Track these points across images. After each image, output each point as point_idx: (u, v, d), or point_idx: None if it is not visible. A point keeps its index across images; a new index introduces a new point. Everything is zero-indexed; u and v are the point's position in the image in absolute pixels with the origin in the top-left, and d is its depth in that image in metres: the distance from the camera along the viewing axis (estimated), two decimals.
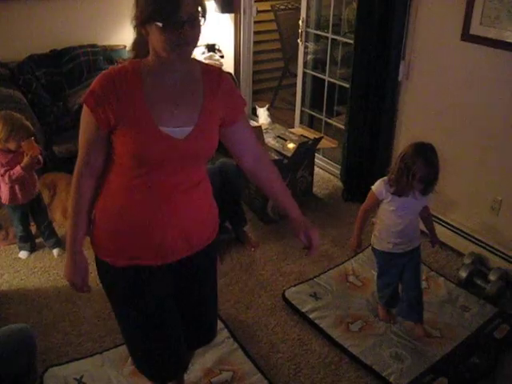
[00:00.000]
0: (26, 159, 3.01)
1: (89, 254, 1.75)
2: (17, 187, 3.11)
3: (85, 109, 1.60)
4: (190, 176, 1.69)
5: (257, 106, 4.84)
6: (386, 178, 2.55)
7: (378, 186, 2.56)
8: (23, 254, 3.33)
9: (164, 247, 1.70)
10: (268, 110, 4.78)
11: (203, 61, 4.51)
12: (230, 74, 4.72)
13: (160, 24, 1.47)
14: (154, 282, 1.77)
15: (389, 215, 2.57)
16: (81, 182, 1.67)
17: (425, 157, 2.38)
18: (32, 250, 3.36)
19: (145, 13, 1.49)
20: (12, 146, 3.01)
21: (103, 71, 1.62)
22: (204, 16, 1.54)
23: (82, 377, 2.46)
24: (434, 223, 3.28)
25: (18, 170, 3.01)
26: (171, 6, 1.46)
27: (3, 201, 3.18)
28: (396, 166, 2.46)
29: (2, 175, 3.05)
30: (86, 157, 1.65)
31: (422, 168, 2.37)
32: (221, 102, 1.69)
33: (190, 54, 1.58)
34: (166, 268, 1.75)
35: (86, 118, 1.61)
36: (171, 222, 1.67)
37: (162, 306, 1.82)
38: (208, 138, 1.67)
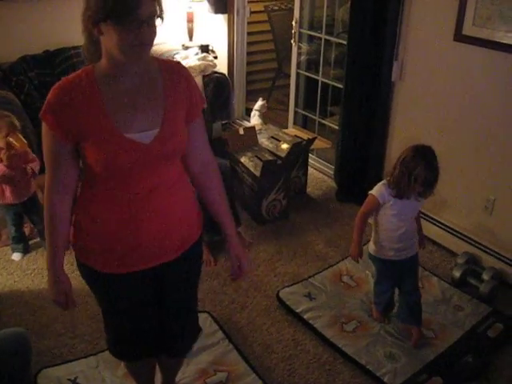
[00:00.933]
0: (6, 154, 2.97)
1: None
2: (6, 186, 3.09)
3: (44, 125, 1.54)
4: (164, 177, 1.65)
5: (260, 99, 4.80)
6: (385, 181, 2.53)
7: (378, 190, 2.53)
8: (16, 256, 3.31)
9: (143, 253, 1.68)
10: (261, 110, 4.77)
11: (196, 62, 4.54)
12: (223, 74, 4.73)
13: (117, 23, 1.40)
14: (133, 286, 1.76)
15: (390, 219, 2.54)
16: (52, 200, 1.62)
17: (426, 160, 2.38)
18: (25, 251, 3.34)
19: (101, 10, 1.41)
20: (0, 143, 2.98)
21: (56, 83, 1.54)
22: (161, 16, 1.49)
23: (76, 378, 2.46)
24: (429, 223, 3.30)
25: (0, 167, 3.00)
26: (131, 3, 1.40)
27: None
28: (396, 169, 2.44)
29: None
30: (54, 173, 1.60)
31: (424, 172, 2.36)
32: (183, 97, 1.64)
33: (147, 55, 1.53)
34: (143, 273, 1.73)
35: (47, 135, 1.55)
36: (151, 225, 1.64)
37: (140, 310, 1.83)
38: (175, 136, 1.62)
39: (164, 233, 1.68)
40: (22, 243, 3.33)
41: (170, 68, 1.66)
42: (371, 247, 2.68)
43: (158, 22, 1.49)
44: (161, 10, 1.49)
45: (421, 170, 2.36)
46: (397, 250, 2.59)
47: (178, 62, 1.76)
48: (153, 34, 1.48)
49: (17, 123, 3.05)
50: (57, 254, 1.68)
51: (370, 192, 2.57)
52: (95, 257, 1.70)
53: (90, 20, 1.45)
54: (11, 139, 2.97)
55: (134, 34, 1.42)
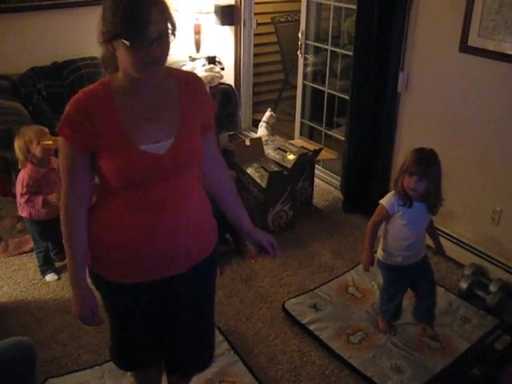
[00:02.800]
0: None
1: None
2: (38, 200, 3.03)
3: (61, 139, 1.56)
4: (179, 188, 1.65)
5: (269, 110, 4.82)
6: (393, 191, 2.54)
7: (388, 200, 2.53)
8: (51, 277, 3.21)
9: (156, 262, 1.68)
10: (269, 122, 4.79)
11: (203, 73, 4.56)
12: (229, 85, 4.75)
13: (127, 42, 1.41)
14: (143, 297, 1.76)
15: (400, 229, 2.54)
16: (69, 212, 1.63)
17: (418, 151, 2.43)
18: (58, 271, 3.24)
19: (112, 29, 1.43)
20: (37, 150, 2.96)
21: (74, 97, 1.56)
22: (173, 33, 1.49)
23: None
24: None
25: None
26: (139, 23, 1.40)
27: (23, 213, 3.10)
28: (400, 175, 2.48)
29: (21, 194, 3.00)
30: (71, 186, 1.61)
31: (411, 161, 2.40)
32: (199, 109, 1.66)
33: (160, 71, 1.54)
34: (158, 284, 1.74)
35: (63, 147, 1.57)
36: (165, 236, 1.64)
37: (146, 322, 1.84)
38: (190, 147, 1.63)
39: (177, 243, 1.68)
40: (52, 261, 3.27)
41: (187, 79, 1.68)
42: (379, 253, 2.68)
43: (170, 37, 1.49)
44: (173, 27, 1.49)
45: (409, 160, 2.41)
46: (404, 257, 2.60)
47: (194, 74, 1.78)
48: (164, 51, 1.48)
49: (44, 128, 3.05)
50: (78, 267, 1.67)
51: (380, 201, 2.58)
52: (107, 266, 1.70)
53: (105, 36, 1.48)
54: (44, 142, 2.96)
55: (145, 53, 1.43)
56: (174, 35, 1.50)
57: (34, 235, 3.20)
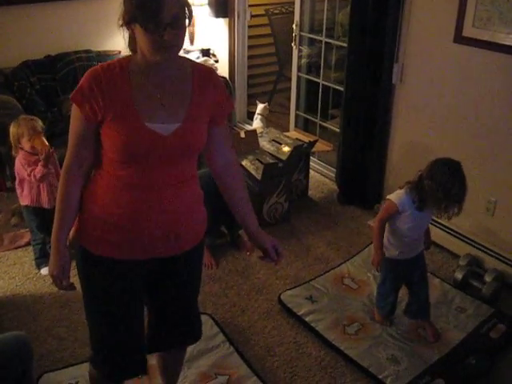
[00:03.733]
0: (42, 156, 2.99)
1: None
2: (44, 188, 3.06)
3: (73, 106, 1.62)
4: (178, 172, 1.69)
5: (257, 102, 4.83)
6: (406, 190, 2.48)
7: (399, 198, 2.48)
8: (46, 271, 3.08)
9: (148, 242, 1.70)
10: (264, 113, 4.78)
11: None
12: (224, 78, 4.73)
13: (142, 26, 1.47)
14: (132, 276, 1.77)
15: (406, 227, 2.52)
16: (69, 176, 1.68)
17: (461, 179, 2.37)
18: None
19: (129, 13, 1.50)
20: (26, 145, 3.00)
21: (91, 68, 1.63)
22: (189, 18, 1.53)
23: (77, 382, 2.44)
24: (431, 225, 3.29)
25: (39, 168, 2.99)
26: (153, 8, 1.45)
27: (24, 202, 3.11)
28: (425, 183, 2.39)
29: (28, 175, 3.01)
30: (75, 150, 1.66)
31: (459, 191, 2.35)
32: (210, 100, 1.70)
33: (175, 55, 1.59)
34: (146, 263, 1.75)
35: (74, 114, 1.64)
36: (158, 218, 1.67)
37: (133, 301, 1.83)
38: (195, 134, 1.67)
39: (170, 227, 1.71)
40: (48, 256, 3.25)
41: (202, 72, 1.71)
42: None
43: (186, 23, 1.53)
44: (190, 12, 1.54)
45: (457, 190, 2.34)
46: (402, 252, 2.60)
47: (211, 68, 1.81)
48: (179, 35, 1.53)
49: (39, 127, 3.06)
50: (63, 228, 1.70)
51: (388, 197, 2.54)
52: (97, 241, 1.71)
53: (124, 20, 1.54)
54: (34, 144, 2.99)
55: (159, 37, 1.48)
56: (190, 20, 1.54)
57: (32, 227, 3.19)
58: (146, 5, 1.45)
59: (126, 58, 1.65)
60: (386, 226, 2.59)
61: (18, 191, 3.12)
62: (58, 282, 1.75)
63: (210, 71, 1.76)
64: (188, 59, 1.73)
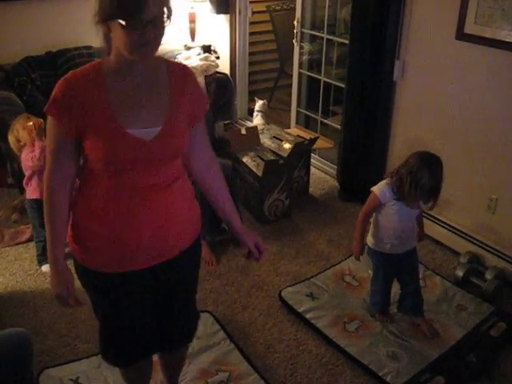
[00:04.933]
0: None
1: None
2: (35, 179, 3.06)
3: (49, 117, 1.56)
4: (164, 176, 1.65)
5: (255, 98, 4.82)
6: (387, 180, 2.51)
7: (380, 189, 2.51)
8: (47, 267, 3.14)
9: (141, 252, 1.67)
10: (263, 110, 4.77)
11: (199, 62, 4.54)
12: (225, 74, 4.72)
13: (123, 22, 1.42)
14: (130, 286, 1.75)
15: (389, 218, 2.54)
16: (53, 190, 1.63)
17: (432, 170, 2.36)
18: None
19: (108, 10, 1.44)
20: (24, 136, 3.04)
21: (63, 77, 1.56)
22: (169, 17, 1.50)
23: (77, 378, 2.45)
24: (431, 222, 3.29)
25: (36, 144, 3.03)
26: (136, 4, 1.41)
27: (33, 195, 3.09)
28: (401, 174, 2.42)
29: (32, 161, 3.02)
30: (56, 165, 1.61)
31: (429, 182, 2.35)
32: (188, 99, 1.66)
33: (153, 54, 1.54)
34: (143, 272, 1.73)
35: (51, 127, 1.57)
36: (147, 225, 1.64)
37: (135, 306, 1.82)
38: (177, 136, 1.64)
39: (163, 231, 1.68)
40: None
41: (178, 70, 1.68)
42: (369, 240, 2.68)
43: (166, 22, 1.49)
44: (169, 11, 1.50)
45: (426, 180, 2.34)
46: (394, 245, 2.60)
47: (185, 65, 1.78)
48: (158, 34, 1.49)
49: (27, 114, 3.13)
50: (57, 243, 1.67)
51: (371, 189, 2.56)
52: (94, 256, 1.69)
53: (100, 17, 1.48)
54: (27, 124, 3.07)
55: (139, 34, 1.44)
56: (170, 19, 1.50)
57: (35, 223, 3.18)
58: (127, 1, 1.41)
59: (99, 61, 1.58)
60: (375, 218, 2.61)
61: (27, 188, 3.12)
62: (64, 302, 1.72)
63: (185, 69, 1.72)
64: (161, 58, 1.67)
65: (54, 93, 1.54)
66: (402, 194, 2.44)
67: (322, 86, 4.47)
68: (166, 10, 1.48)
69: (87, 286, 1.79)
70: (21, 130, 3.06)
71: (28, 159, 3.04)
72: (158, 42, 1.51)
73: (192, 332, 2.08)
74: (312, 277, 3.15)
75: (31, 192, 3.11)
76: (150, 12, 1.43)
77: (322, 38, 4.36)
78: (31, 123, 3.06)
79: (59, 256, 1.68)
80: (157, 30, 1.47)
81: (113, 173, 1.59)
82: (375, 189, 2.54)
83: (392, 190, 2.47)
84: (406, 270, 2.69)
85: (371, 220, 2.66)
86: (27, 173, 3.09)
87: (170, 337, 2.00)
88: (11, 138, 3.10)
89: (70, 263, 1.74)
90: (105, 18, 1.47)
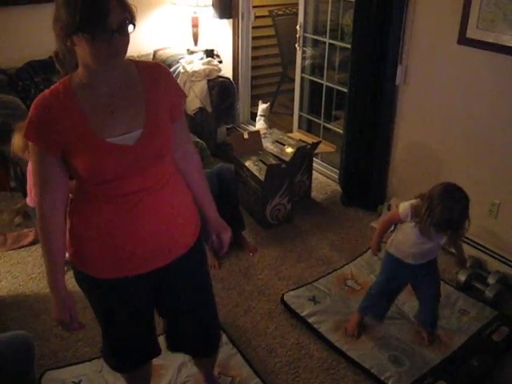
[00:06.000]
0: None
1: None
2: None
3: (30, 143, 1.55)
4: (155, 178, 1.64)
5: (260, 102, 4.83)
6: (414, 201, 2.41)
7: (405, 207, 2.42)
8: None
9: (137, 257, 1.66)
10: (266, 114, 4.78)
11: (201, 66, 4.55)
12: (228, 79, 4.73)
13: (88, 35, 1.40)
14: (127, 291, 1.75)
15: (410, 237, 2.46)
16: (45, 215, 1.59)
17: (449, 202, 2.26)
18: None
19: (70, 24, 1.41)
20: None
21: (35, 99, 1.54)
22: (132, 22, 1.48)
23: (80, 381, 2.46)
24: None
25: None
26: (99, 14, 1.39)
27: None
28: (425, 197, 2.35)
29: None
30: (44, 187, 1.58)
31: (441, 211, 2.25)
32: (165, 95, 1.64)
33: (121, 62, 1.53)
34: (141, 277, 1.71)
35: (33, 152, 1.56)
36: (142, 230, 1.63)
37: (137, 312, 1.82)
38: (160, 135, 1.62)
39: (159, 235, 1.67)
40: None
41: (149, 68, 1.66)
42: (389, 242, 2.60)
43: (130, 28, 1.47)
44: (132, 17, 1.48)
45: (440, 210, 2.25)
46: (409, 257, 2.52)
47: (157, 62, 1.76)
48: (126, 41, 1.48)
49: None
50: (56, 270, 1.64)
51: (400, 204, 2.47)
52: (91, 263, 1.68)
53: (63, 32, 1.46)
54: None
55: (107, 44, 1.42)
56: (134, 25, 1.49)
57: None
58: (92, 12, 1.39)
59: (66, 78, 1.55)
60: (398, 230, 2.55)
61: (32, 194, 3.06)
62: (66, 327, 1.72)
63: (157, 65, 1.70)
64: (129, 59, 1.64)
65: (28, 118, 1.53)
66: (419, 218, 2.36)
67: (324, 91, 4.47)
68: (128, 15, 1.47)
69: (85, 292, 1.79)
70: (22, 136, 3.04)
71: (29, 173, 3.01)
72: (125, 50, 1.50)
73: (215, 341, 2.05)
74: (314, 281, 3.15)
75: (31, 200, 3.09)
76: (115, 20, 1.41)
77: (325, 42, 4.37)
78: None
79: (59, 283, 1.66)
80: (123, 38, 1.45)
81: (102, 182, 1.57)
82: (401, 205, 2.46)
83: (414, 212, 2.40)
84: (425, 284, 2.63)
85: (396, 229, 2.60)
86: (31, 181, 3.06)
87: (186, 344, 1.99)
88: (18, 139, 2.99)
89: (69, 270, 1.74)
90: (67, 32, 1.44)
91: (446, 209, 2.26)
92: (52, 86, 1.56)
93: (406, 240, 2.50)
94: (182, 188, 1.78)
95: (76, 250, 1.69)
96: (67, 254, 1.71)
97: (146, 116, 1.59)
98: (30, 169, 3.05)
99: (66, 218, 1.64)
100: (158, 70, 1.67)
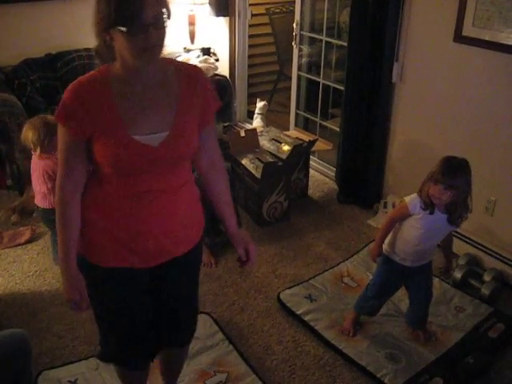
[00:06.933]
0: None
1: None
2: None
3: (59, 125, 1.58)
4: (172, 181, 1.67)
5: (258, 99, 4.83)
6: (417, 192, 2.42)
7: (411, 199, 2.43)
8: None
9: (147, 252, 1.70)
10: (263, 112, 4.78)
11: (198, 64, 4.55)
12: (224, 77, 4.73)
13: (124, 29, 1.42)
14: (134, 281, 1.78)
15: (413, 233, 2.45)
16: (66, 198, 1.64)
17: (448, 160, 2.30)
18: None
19: (107, 18, 1.44)
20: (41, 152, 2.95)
21: (71, 84, 1.57)
22: (169, 17, 1.50)
23: (76, 380, 2.45)
24: None
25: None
26: (134, 8, 1.41)
27: (47, 204, 3.05)
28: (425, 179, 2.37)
29: (48, 188, 2.97)
30: (67, 169, 1.62)
31: (439, 168, 2.28)
32: (198, 101, 1.65)
33: (157, 57, 1.54)
34: (143, 270, 1.75)
35: (62, 135, 1.59)
36: (151, 228, 1.66)
37: (138, 302, 1.84)
38: (185, 140, 1.63)
39: (166, 234, 1.70)
40: None
41: (187, 71, 1.67)
42: (385, 247, 2.59)
43: (166, 22, 1.49)
44: (168, 11, 1.50)
45: (437, 167, 2.29)
46: (409, 260, 2.52)
47: (196, 66, 1.77)
48: (161, 35, 1.49)
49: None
50: (70, 251, 1.68)
51: (404, 198, 2.48)
52: (95, 250, 1.71)
53: (101, 26, 1.48)
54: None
55: (142, 38, 1.44)
56: (169, 19, 1.50)
57: (50, 226, 3.17)
58: (127, 6, 1.41)
59: (106, 67, 1.58)
60: (397, 230, 2.52)
61: (51, 196, 3.02)
62: (76, 306, 1.74)
63: (196, 70, 1.71)
64: (170, 59, 1.67)
65: (62, 100, 1.56)
66: (427, 199, 2.35)
67: (320, 89, 4.48)
68: (164, 9, 1.48)
69: (88, 279, 1.79)
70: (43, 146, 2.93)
71: (42, 176, 2.99)
72: (161, 45, 1.51)
73: (192, 331, 2.09)
74: (310, 279, 3.16)
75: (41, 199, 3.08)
76: (150, 14, 1.43)
77: (321, 40, 4.37)
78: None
79: (71, 262, 1.69)
80: (159, 32, 1.47)
81: (120, 176, 1.60)
82: (407, 198, 2.45)
83: (421, 201, 2.39)
84: (417, 286, 2.63)
85: (393, 229, 2.57)
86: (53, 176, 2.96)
87: (172, 335, 2.01)
88: (32, 135, 2.94)
89: None
90: (105, 26, 1.47)
91: (446, 161, 2.30)
92: (88, 74, 1.59)
93: (410, 237, 2.47)
94: (194, 194, 1.80)
95: (84, 237, 1.71)
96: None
97: (175, 119, 1.60)
98: (43, 169, 2.99)
99: (80, 205, 1.67)
100: (195, 75, 1.68)
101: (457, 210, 2.38)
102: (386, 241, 2.59)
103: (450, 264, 2.73)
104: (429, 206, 2.36)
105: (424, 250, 2.50)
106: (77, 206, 1.66)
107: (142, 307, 1.86)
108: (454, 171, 2.29)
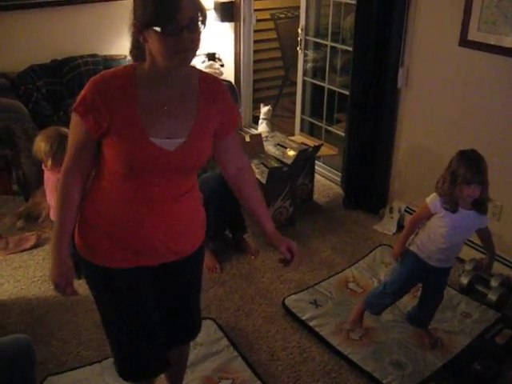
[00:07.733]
0: None
1: None
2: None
3: (74, 115, 1.59)
4: (179, 186, 1.68)
5: (261, 105, 4.83)
6: (436, 191, 2.41)
7: (432, 199, 2.42)
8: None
9: (151, 254, 1.71)
10: (268, 117, 4.78)
11: (203, 69, 4.55)
12: (229, 82, 4.74)
13: (159, 29, 1.44)
14: (140, 280, 1.78)
15: (438, 231, 2.43)
16: (68, 183, 1.65)
17: (468, 159, 2.28)
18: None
19: (143, 18, 1.46)
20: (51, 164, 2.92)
21: (93, 77, 1.59)
22: (204, 22, 1.51)
23: None
24: None
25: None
26: (170, 10, 1.43)
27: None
28: (443, 177, 2.35)
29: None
30: (74, 159, 1.63)
31: (465, 169, 2.25)
32: (216, 113, 1.67)
33: (190, 61, 1.55)
34: (150, 270, 1.76)
35: (75, 123, 1.59)
36: (154, 230, 1.67)
37: (144, 304, 1.83)
38: (199, 149, 1.65)
39: (169, 236, 1.71)
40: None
41: (209, 82, 1.69)
42: (411, 240, 2.56)
43: (200, 27, 1.50)
44: (203, 16, 1.50)
45: (462, 167, 2.26)
46: (434, 259, 2.49)
47: (218, 78, 1.79)
48: (195, 39, 1.49)
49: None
50: (64, 235, 1.68)
51: (426, 199, 2.46)
52: (103, 254, 1.71)
53: (136, 27, 1.51)
54: None
55: (175, 41, 1.45)
56: (205, 24, 1.51)
57: None
58: (163, 7, 1.43)
59: (132, 65, 1.60)
60: (424, 228, 2.51)
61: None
62: (61, 290, 1.74)
63: (216, 81, 1.73)
64: (194, 68, 1.69)
65: (82, 92, 1.56)
66: (445, 196, 2.34)
67: (326, 94, 4.48)
68: (200, 14, 1.49)
69: (91, 283, 1.81)
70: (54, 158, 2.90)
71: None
72: (194, 48, 1.52)
73: (196, 328, 2.07)
74: (316, 284, 3.14)
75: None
76: (185, 17, 1.44)
77: (326, 45, 4.37)
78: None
79: (63, 247, 1.69)
80: (193, 34, 1.48)
81: (128, 178, 1.61)
82: (428, 199, 2.44)
83: (442, 201, 2.37)
84: (432, 287, 2.61)
85: (421, 227, 2.55)
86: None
87: (176, 334, 2.00)
88: (45, 146, 2.91)
89: None
90: (141, 27, 1.49)
91: (471, 162, 2.28)
92: (113, 69, 1.62)
93: (437, 236, 2.44)
94: (197, 198, 1.82)
95: (86, 239, 1.72)
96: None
97: (192, 128, 1.62)
98: (55, 183, 2.94)
99: (81, 196, 1.68)
100: (217, 87, 1.70)
101: (486, 201, 2.37)
102: (414, 240, 2.56)
103: (492, 259, 2.63)
104: (452, 205, 2.35)
105: (449, 249, 2.47)
106: (77, 194, 1.66)
107: (147, 307, 1.85)
108: (479, 166, 2.28)
